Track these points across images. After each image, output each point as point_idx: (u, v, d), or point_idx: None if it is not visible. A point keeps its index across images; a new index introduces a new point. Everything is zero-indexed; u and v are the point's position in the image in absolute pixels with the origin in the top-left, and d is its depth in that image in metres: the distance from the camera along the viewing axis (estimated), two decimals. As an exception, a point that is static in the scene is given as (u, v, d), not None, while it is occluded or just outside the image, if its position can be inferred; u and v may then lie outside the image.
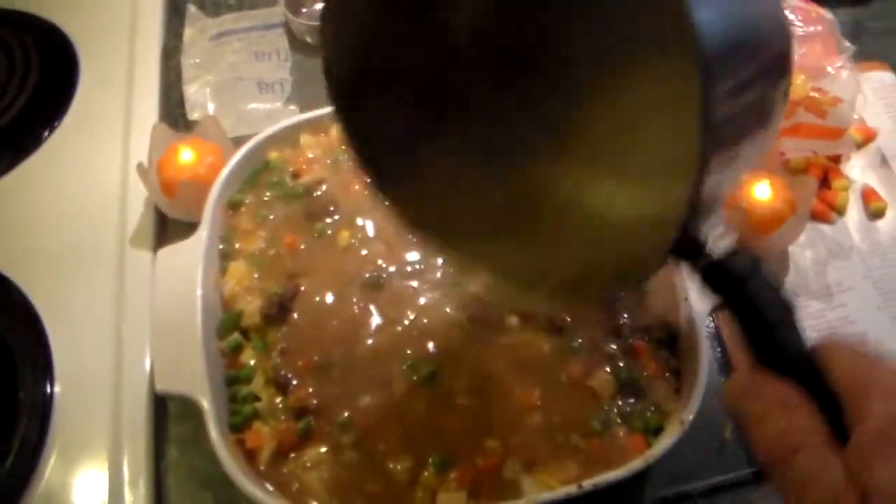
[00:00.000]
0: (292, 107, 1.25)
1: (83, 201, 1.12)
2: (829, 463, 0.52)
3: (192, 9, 1.37)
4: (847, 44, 1.20)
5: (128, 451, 0.93)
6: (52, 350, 0.99)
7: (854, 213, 1.14)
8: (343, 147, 1.00)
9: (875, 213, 1.14)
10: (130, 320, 1.01)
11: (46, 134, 1.21)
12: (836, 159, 1.17)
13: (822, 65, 1.16)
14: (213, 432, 0.80)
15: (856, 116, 1.16)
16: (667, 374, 0.88)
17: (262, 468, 0.82)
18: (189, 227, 0.96)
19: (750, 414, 0.57)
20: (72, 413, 0.95)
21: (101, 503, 0.89)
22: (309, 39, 1.33)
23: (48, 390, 0.96)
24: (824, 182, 1.15)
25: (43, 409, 0.94)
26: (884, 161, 1.18)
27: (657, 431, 0.84)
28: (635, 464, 0.79)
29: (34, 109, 1.24)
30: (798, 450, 0.53)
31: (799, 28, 1.21)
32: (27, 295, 1.03)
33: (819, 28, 1.22)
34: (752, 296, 0.57)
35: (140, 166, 1.05)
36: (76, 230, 1.10)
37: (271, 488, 0.81)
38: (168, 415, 0.97)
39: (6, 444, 0.92)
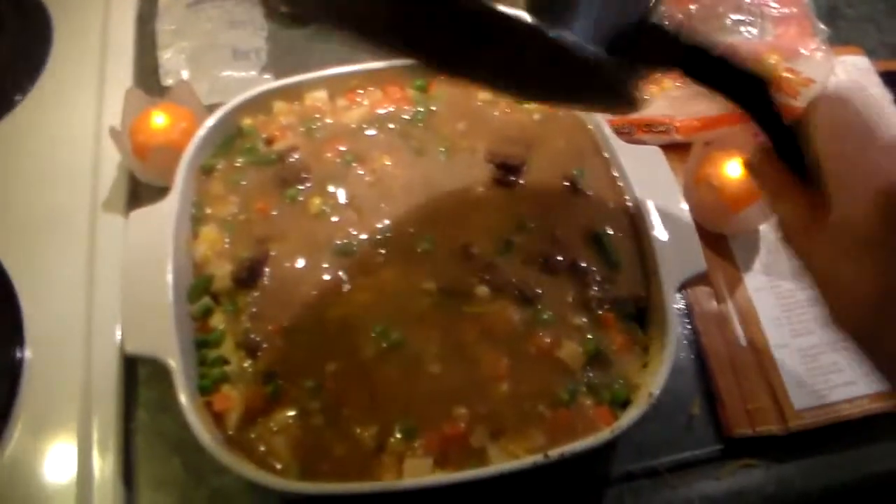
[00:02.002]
0: (267, 75, 1.25)
1: (56, 164, 1.12)
2: (814, 252, 0.61)
3: (168, -25, 1.36)
4: (822, 26, 1.21)
5: (97, 414, 0.93)
6: (22, 312, 0.98)
7: (825, 195, 1.14)
8: (316, 115, 1.01)
9: (845, 195, 1.13)
10: (101, 284, 1.01)
11: (19, 97, 1.19)
12: (808, 141, 1.17)
13: (797, 46, 1.17)
14: (182, 394, 0.80)
15: (829, 99, 1.17)
16: (635, 348, 0.89)
17: (230, 432, 0.82)
18: (161, 192, 0.95)
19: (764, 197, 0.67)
20: (41, 375, 0.95)
21: (70, 466, 0.89)
22: (283, 9, 1.32)
23: (18, 354, 0.95)
24: (795, 163, 1.15)
25: (12, 371, 0.94)
26: (855, 143, 1.19)
27: (624, 404, 0.85)
28: (602, 434, 0.80)
29: (6, 72, 1.22)
30: (792, 237, 0.63)
31: (774, 9, 1.22)
32: (-2, 257, 1.03)
33: (794, 10, 1.22)
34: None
35: (113, 130, 1.05)
36: (48, 193, 1.09)
37: (238, 451, 0.80)
38: (138, 379, 0.98)
39: (-26, 406, 0.91)
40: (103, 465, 0.90)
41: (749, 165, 0.69)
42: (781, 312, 1.03)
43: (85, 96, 1.19)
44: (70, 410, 0.92)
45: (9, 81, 1.21)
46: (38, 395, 0.94)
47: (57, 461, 0.89)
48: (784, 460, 0.95)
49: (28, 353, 0.96)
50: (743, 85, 0.62)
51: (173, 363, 0.82)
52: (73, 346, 0.96)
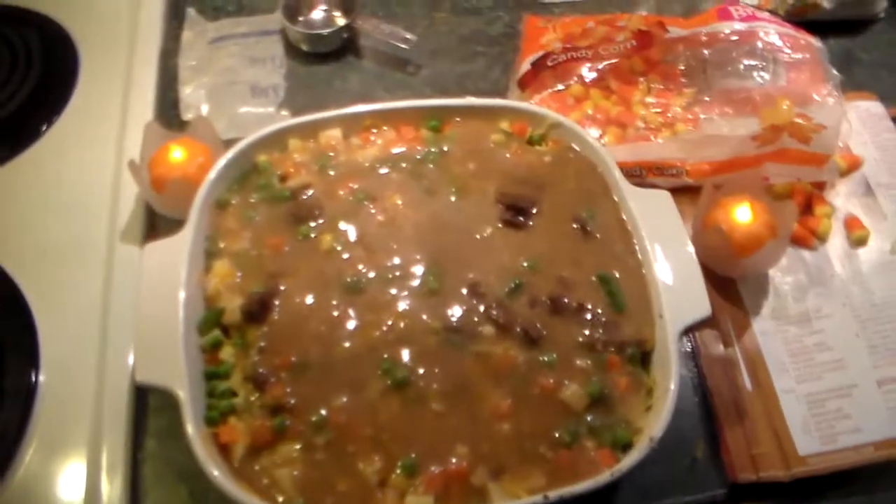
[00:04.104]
0: (284, 112, 1.27)
1: (77, 195, 1.14)
2: None
3: (191, 13, 1.38)
4: (834, 72, 1.21)
5: (107, 441, 0.94)
6: (39, 339, 1.00)
7: (836, 241, 1.15)
8: (330, 153, 1.02)
9: (857, 241, 1.14)
10: (117, 313, 1.03)
11: (45, 128, 1.21)
12: (821, 186, 1.18)
13: (809, 92, 1.18)
14: (189, 424, 0.81)
15: (841, 144, 1.17)
16: (639, 391, 0.89)
17: (235, 464, 0.83)
18: (178, 225, 0.97)
19: None
20: (54, 401, 0.96)
21: (79, 491, 0.91)
22: (304, 47, 1.35)
23: (33, 378, 0.97)
24: (807, 208, 1.16)
25: (27, 397, 0.96)
26: (868, 189, 1.20)
27: (626, 447, 0.85)
28: (601, 477, 0.81)
29: (34, 103, 1.24)
30: None
31: (787, 55, 1.23)
32: (17, 283, 1.04)
33: (807, 56, 1.23)
34: None
35: (132, 163, 1.06)
36: (69, 222, 1.11)
37: (242, 483, 0.81)
38: (148, 408, 0.99)
39: (-12, 428, 0.93)
40: (111, 490, 0.91)
41: None
42: (788, 357, 1.04)
43: (107, 129, 1.21)
44: (81, 435, 0.94)
45: (35, 112, 1.24)
46: (52, 418, 0.95)
47: (67, 484, 0.91)
48: (788, 507, 0.96)
49: (43, 378, 0.98)
50: None
51: (181, 394, 0.83)
52: (87, 372, 0.98)
